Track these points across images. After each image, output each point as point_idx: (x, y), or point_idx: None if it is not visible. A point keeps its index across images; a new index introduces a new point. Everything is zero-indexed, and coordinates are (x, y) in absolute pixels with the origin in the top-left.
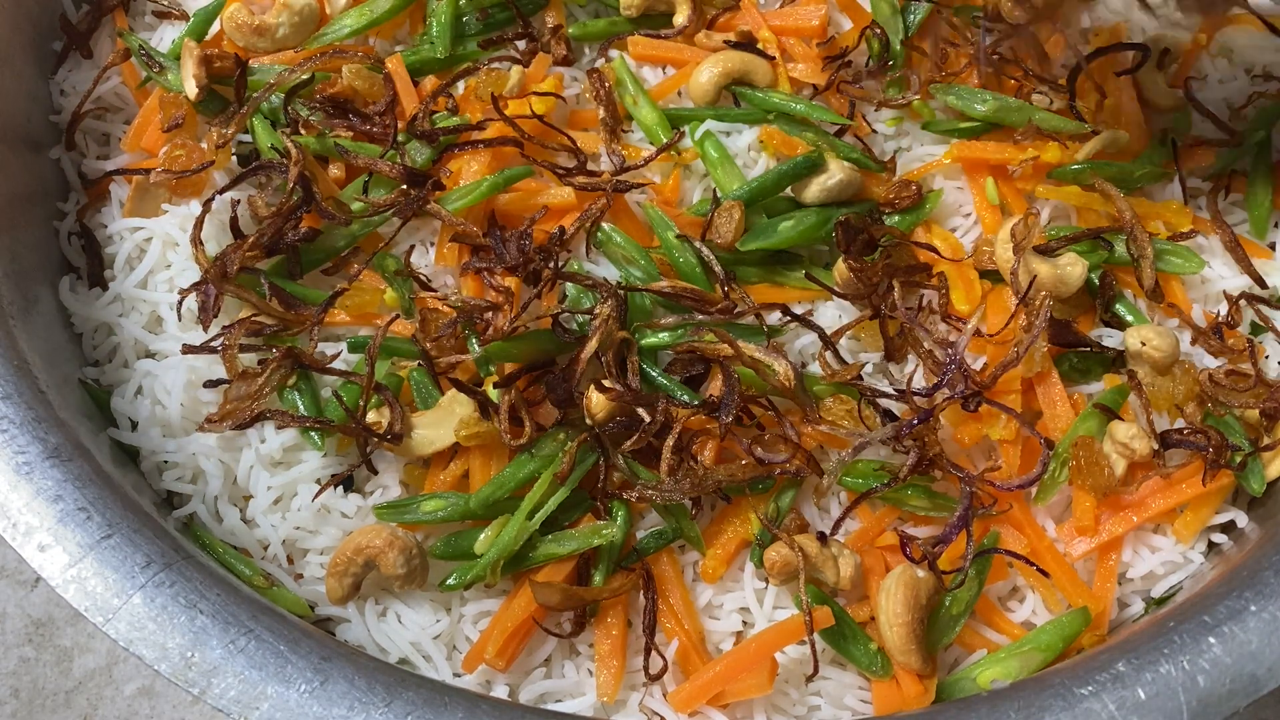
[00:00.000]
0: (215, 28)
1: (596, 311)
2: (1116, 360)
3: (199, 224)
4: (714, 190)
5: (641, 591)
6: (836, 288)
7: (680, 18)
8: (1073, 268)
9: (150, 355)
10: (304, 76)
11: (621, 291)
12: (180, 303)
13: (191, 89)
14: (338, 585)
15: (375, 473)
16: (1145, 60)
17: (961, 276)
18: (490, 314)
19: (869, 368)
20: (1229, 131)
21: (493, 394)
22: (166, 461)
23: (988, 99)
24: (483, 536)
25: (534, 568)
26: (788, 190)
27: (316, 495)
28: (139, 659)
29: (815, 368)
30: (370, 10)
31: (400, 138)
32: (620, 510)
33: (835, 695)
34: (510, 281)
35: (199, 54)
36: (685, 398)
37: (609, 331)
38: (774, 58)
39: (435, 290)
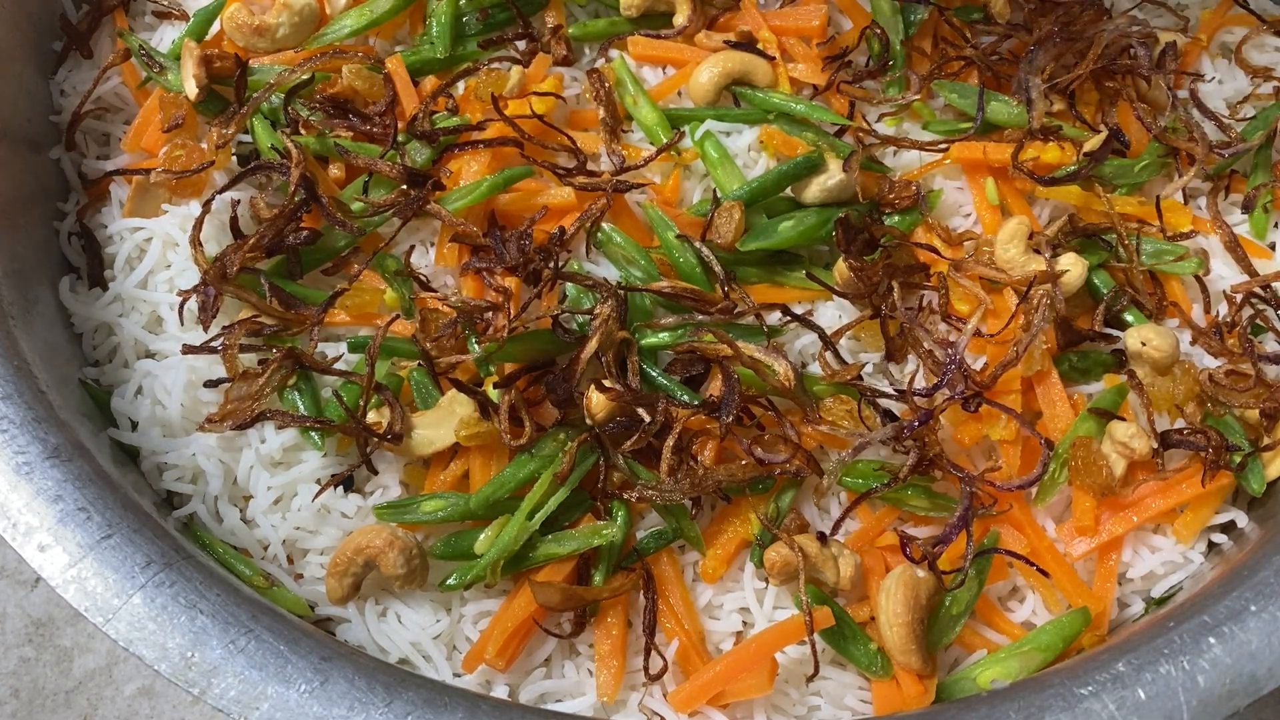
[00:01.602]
0: (215, 28)
1: (597, 311)
2: (1116, 360)
3: (198, 225)
4: (714, 190)
5: (641, 591)
6: (836, 288)
7: (680, 18)
8: (1073, 268)
9: (150, 355)
10: (304, 76)
11: (621, 291)
12: (182, 304)
13: (191, 89)
14: (338, 585)
15: (375, 472)
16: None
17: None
18: (490, 314)
19: (869, 368)
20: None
21: (493, 394)
22: (166, 461)
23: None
24: (483, 536)
25: (534, 568)
26: (788, 190)
27: (316, 495)
28: (139, 659)
29: (815, 368)
30: (370, 10)
31: (400, 138)
32: (620, 510)
33: (835, 695)
34: (510, 281)
35: (199, 54)
36: (685, 398)
37: (609, 331)
38: (774, 58)
39: (435, 290)
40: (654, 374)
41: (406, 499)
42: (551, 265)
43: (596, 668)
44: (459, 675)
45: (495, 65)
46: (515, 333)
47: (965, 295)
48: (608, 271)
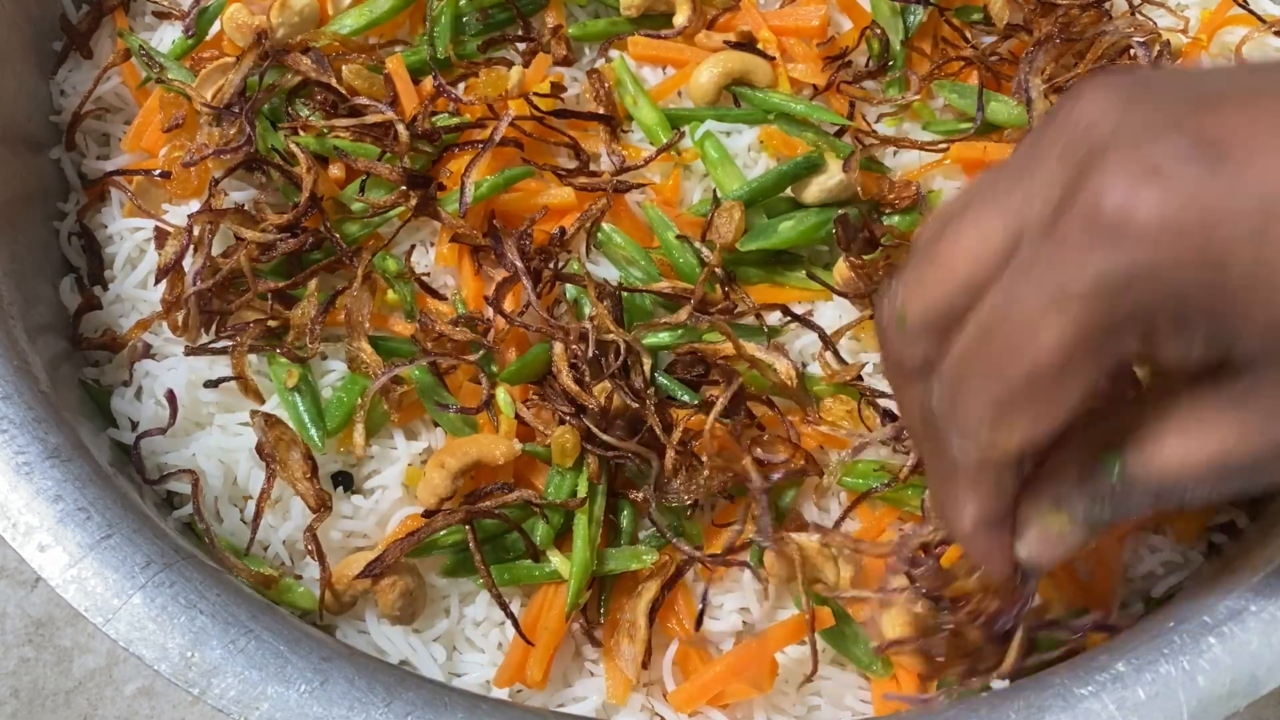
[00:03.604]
0: (215, 28)
1: (594, 313)
2: None
3: (195, 242)
4: (714, 190)
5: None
6: (836, 287)
7: (680, 18)
8: None
9: (150, 355)
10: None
11: (617, 291)
12: (169, 311)
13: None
14: (334, 603)
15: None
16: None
17: None
18: (491, 315)
19: (869, 368)
20: None
21: (504, 405)
22: (166, 462)
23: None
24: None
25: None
26: (788, 190)
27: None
28: (139, 659)
29: (815, 368)
30: (370, 10)
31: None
32: (626, 509)
33: (835, 695)
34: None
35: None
36: (685, 398)
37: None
38: (774, 58)
39: (436, 291)
40: (655, 375)
41: None
42: (551, 265)
43: (606, 669)
44: (458, 675)
45: (495, 66)
46: (514, 333)
47: None
48: (608, 272)
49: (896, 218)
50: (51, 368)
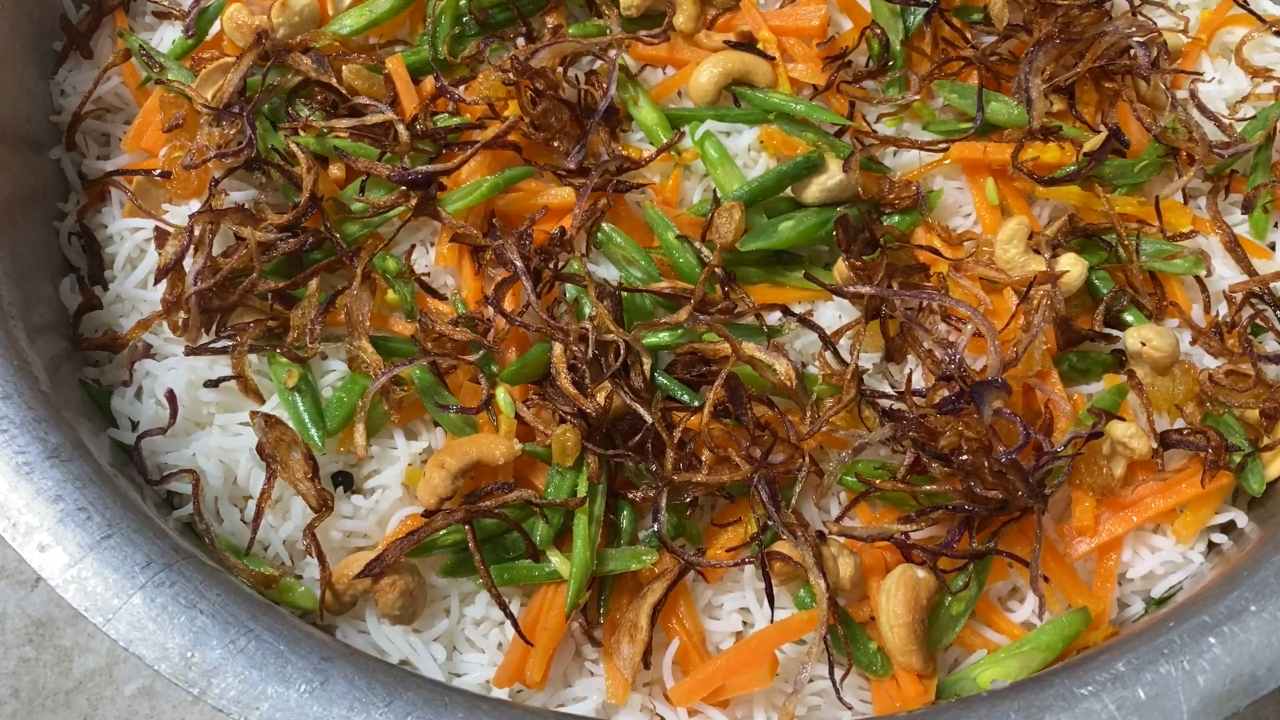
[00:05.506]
0: (216, 28)
1: (592, 314)
2: (1116, 360)
3: (196, 242)
4: (714, 190)
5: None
6: (836, 287)
7: (680, 17)
8: (1072, 268)
9: (150, 355)
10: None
11: (616, 291)
12: (170, 311)
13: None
14: (335, 603)
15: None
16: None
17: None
18: (490, 314)
19: (869, 367)
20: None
21: (504, 405)
22: (166, 462)
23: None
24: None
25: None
26: (788, 190)
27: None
28: (139, 659)
29: (815, 368)
30: (370, 10)
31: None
32: (626, 509)
33: (835, 694)
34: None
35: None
36: (685, 398)
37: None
38: (774, 58)
39: (436, 291)
40: (655, 375)
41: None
42: (552, 265)
43: (606, 670)
44: (458, 675)
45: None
46: (514, 333)
47: (965, 295)
48: (608, 271)
49: (897, 218)
50: (51, 368)
